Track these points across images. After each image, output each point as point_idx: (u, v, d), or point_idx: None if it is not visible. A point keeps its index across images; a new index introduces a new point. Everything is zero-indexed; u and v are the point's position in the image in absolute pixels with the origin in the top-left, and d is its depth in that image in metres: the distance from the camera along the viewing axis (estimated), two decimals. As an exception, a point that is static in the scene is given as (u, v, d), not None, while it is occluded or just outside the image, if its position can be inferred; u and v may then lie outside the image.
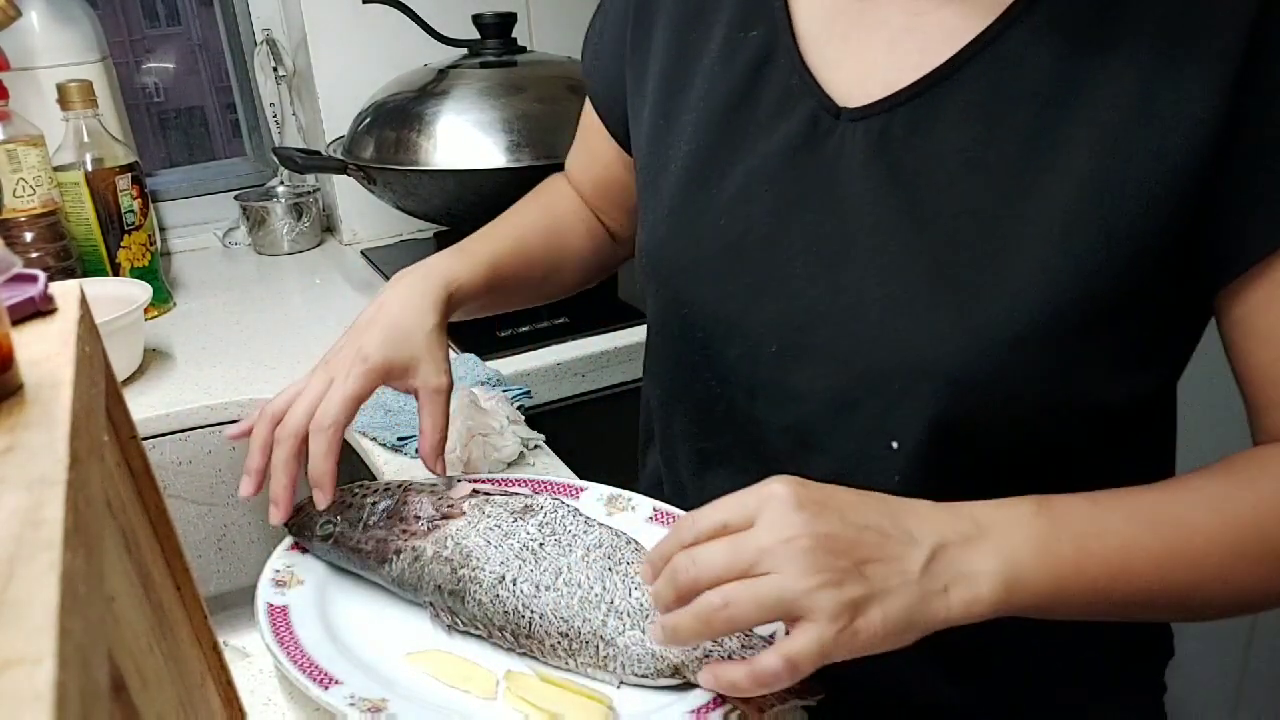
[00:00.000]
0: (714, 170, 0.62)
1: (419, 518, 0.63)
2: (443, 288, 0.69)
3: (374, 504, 0.64)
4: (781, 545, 0.46)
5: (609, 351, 1.04)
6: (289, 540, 0.67)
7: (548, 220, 0.81)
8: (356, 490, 0.66)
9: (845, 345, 0.57)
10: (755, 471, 0.53)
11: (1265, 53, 0.48)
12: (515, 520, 0.61)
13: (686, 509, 0.69)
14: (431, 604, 0.61)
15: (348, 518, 0.64)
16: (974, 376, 0.53)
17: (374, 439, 0.88)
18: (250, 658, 0.63)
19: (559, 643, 0.56)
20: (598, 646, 0.55)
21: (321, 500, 0.62)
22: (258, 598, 0.60)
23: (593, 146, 0.81)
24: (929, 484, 0.54)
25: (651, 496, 0.71)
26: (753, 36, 0.62)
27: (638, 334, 1.06)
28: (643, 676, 0.55)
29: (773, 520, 0.47)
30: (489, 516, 0.62)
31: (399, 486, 0.66)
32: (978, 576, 0.48)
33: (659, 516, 0.69)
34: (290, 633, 0.58)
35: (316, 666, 0.55)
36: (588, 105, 0.81)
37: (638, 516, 0.69)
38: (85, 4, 1.25)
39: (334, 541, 0.64)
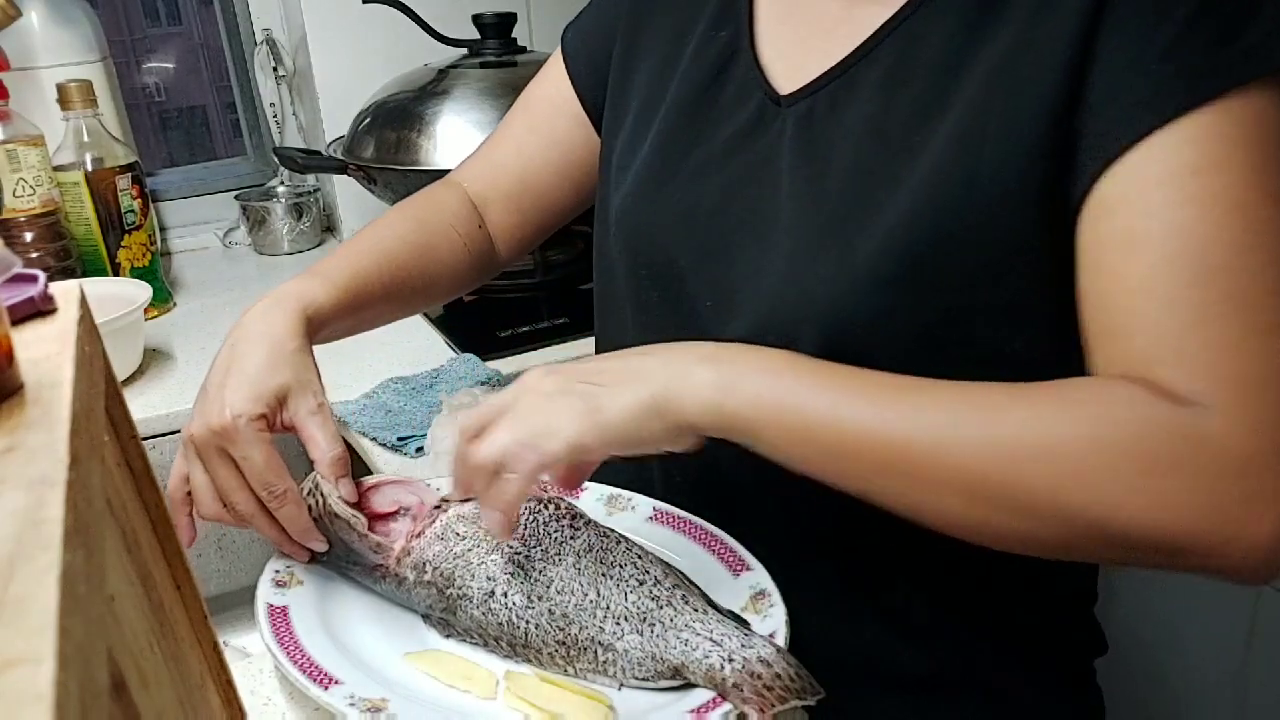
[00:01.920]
0: (677, 151, 0.68)
1: (367, 561, 0.61)
2: (298, 311, 0.65)
3: (344, 536, 0.62)
4: (524, 394, 0.55)
5: (609, 351, 1.04)
6: (289, 540, 0.67)
7: (418, 234, 0.78)
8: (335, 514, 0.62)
9: (760, 301, 0.62)
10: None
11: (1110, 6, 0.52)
12: (492, 536, 0.60)
13: None
14: (426, 617, 0.61)
15: (333, 540, 0.63)
16: (851, 317, 0.58)
17: (374, 439, 0.88)
18: (250, 658, 0.63)
19: (556, 650, 0.56)
20: (596, 652, 0.55)
21: (320, 547, 0.63)
22: (258, 598, 0.60)
23: (533, 136, 0.82)
24: None
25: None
26: (722, 36, 0.69)
27: (638, 334, 1.06)
28: (643, 680, 0.55)
29: (521, 386, 0.55)
30: (464, 538, 0.61)
31: (336, 516, 0.61)
32: (697, 378, 0.53)
33: (659, 516, 0.69)
34: (290, 633, 0.57)
35: (316, 666, 0.55)
36: (534, 94, 0.83)
37: (638, 516, 0.69)
38: (85, 4, 1.25)
39: (329, 563, 0.64)
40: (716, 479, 0.68)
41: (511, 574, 0.58)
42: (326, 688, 0.53)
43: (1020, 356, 0.58)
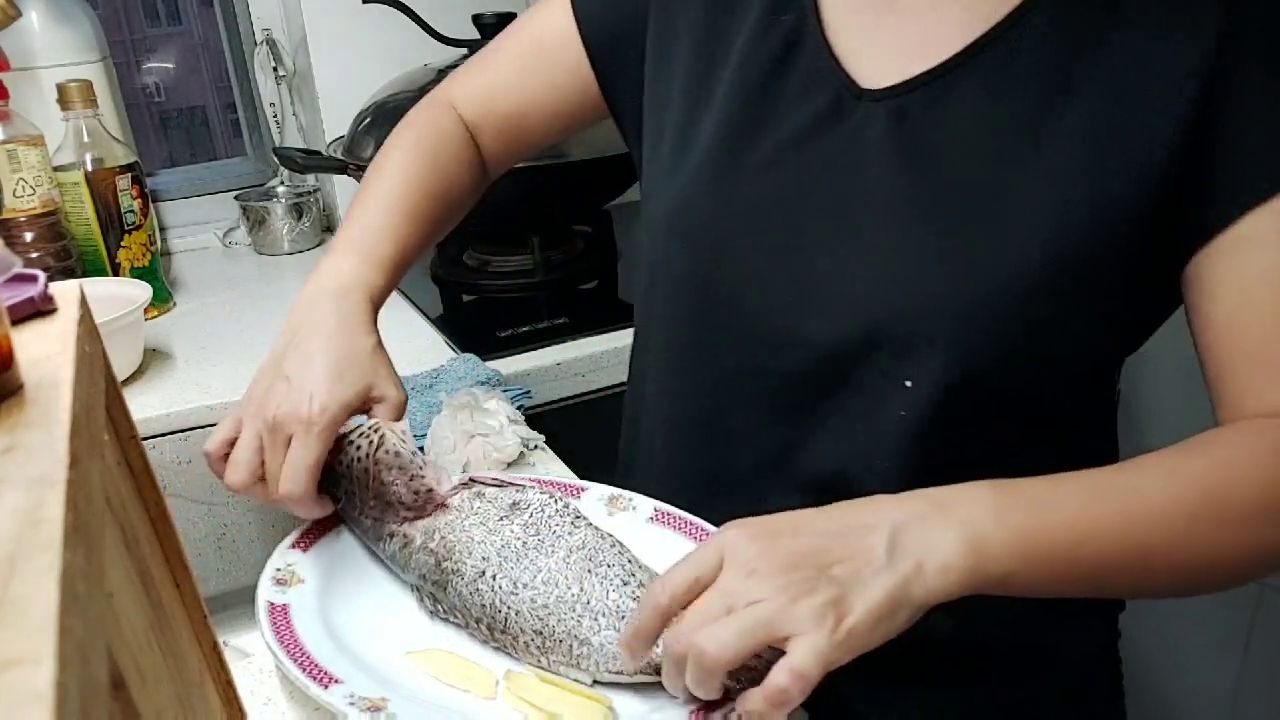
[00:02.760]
0: (743, 140, 0.66)
1: (403, 503, 0.63)
2: (367, 303, 0.66)
3: (387, 478, 0.63)
4: (746, 579, 0.48)
5: (609, 351, 1.04)
6: (289, 539, 0.67)
7: (439, 181, 0.77)
8: (358, 454, 0.64)
9: (860, 295, 0.61)
10: (770, 429, 0.62)
11: (1238, 32, 0.54)
12: (502, 518, 0.62)
13: (682, 488, 0.72)
14: (417, 588, 0.62)
15: (349, 490, 0.64)
16: (979, 331, 0.58)
17: (374, 439, 0.88)
18: (250, 658, 0.63)
19: (532, 640, 0.56)
20: (571, 645, 0.55)
21: (323, 512, 0.65)
22: (258, 596, 0.60)
23: (530, 77, 0.80)
24: (933, 425, 0.60)
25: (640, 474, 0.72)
26: (784, 19, 0.67)
27: (638, 334, 1.06)
28: (617, 673, 0.55)
29: (732, 561, 0.49)
30: (476, 513, 0.62)
31: (392, 456, 0.63)
32: (943, 546, 0.49)
33: (659, 517, 0.69)
34: (290, 632, 0.58)
35: (316, 666, 0.55)
36: (533, 33, 0.80)
37: (638, 516, 0.69)
38: (85, 4, 1.25)
39: (343, 510, 0.66)
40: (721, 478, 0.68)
41: (505, 558, 0.59)
42: (326, 687, 0.53)
43: (1084, 370, 0.63)
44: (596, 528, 0.62)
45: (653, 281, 0.73)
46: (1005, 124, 0.58)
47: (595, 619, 0.56)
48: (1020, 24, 0.59)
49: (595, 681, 0.55)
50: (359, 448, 0.63)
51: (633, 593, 0.57)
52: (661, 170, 0.71)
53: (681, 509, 0.69)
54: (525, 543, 0.60)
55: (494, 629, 0.58)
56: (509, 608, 0.57)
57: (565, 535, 0.60)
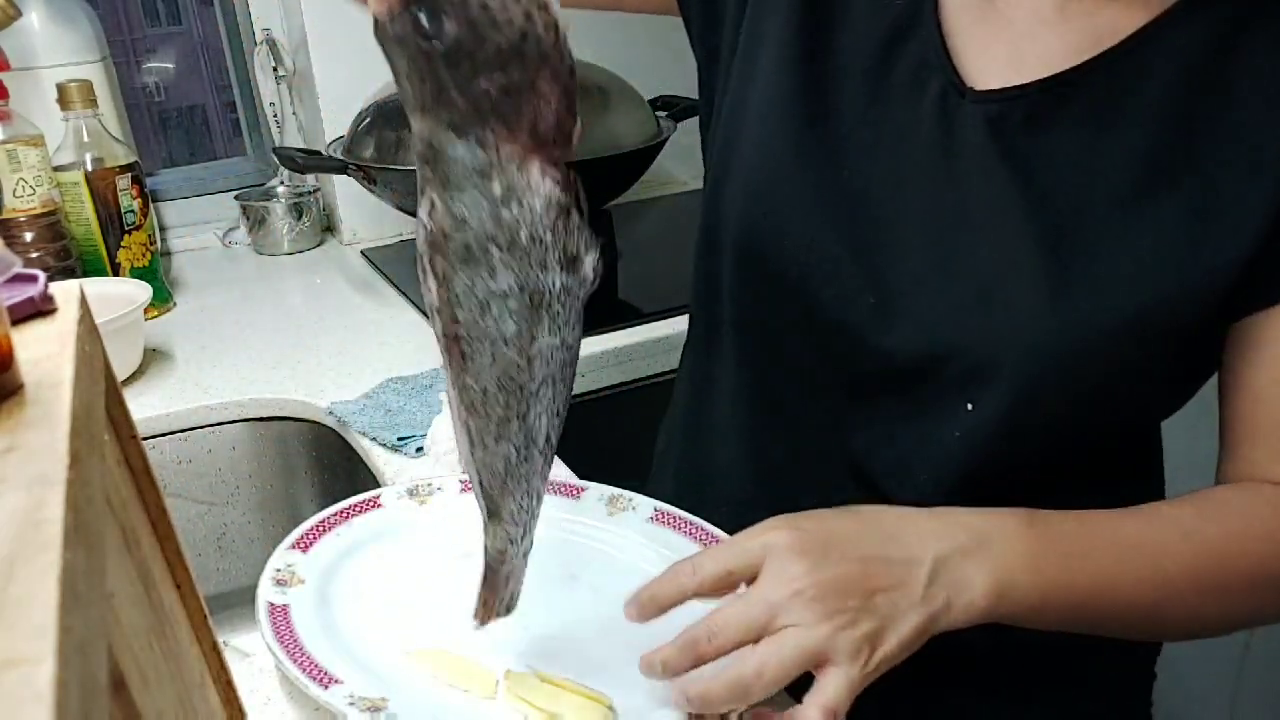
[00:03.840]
0: (842, 124, 0.63)
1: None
2: None
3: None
4: (792, 598, 0.48)
5: (609, 351, 1.04)
6: (289, 539, 0.67)
7: None
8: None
9: (941, 309, 0.59)
10: (827, 417, 0.60)
11: None
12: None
13: (736, 488, 0.71)
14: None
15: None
16: (1058, 358, 0.56)
17: (374, 439, 0.88)
18: (250, 658, 0.63)
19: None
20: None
21: None
22: (258, 596, 0.60)
23: None
24: (985, 450, 0.59)
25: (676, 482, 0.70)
26: (897, 4, 0.63)
27: (638, 334, 1.06)
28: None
29: (778, 571, 0.49)
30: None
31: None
32: (974, 585, 0.51)
33: (659, 517, 0.69)
34: (290, 632, 0.57)
35: (316, 666, 0.55)
36: None
37: (638, 516, 0.69)
38: (85, 4, 1.25)
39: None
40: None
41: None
42: (326, 687, 0.53)
43: (1143, 422, 0.65)
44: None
45: (710, 248, 0.69)
46: (1116, 159, 0.56)
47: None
48: (1143, 48, 0.56)
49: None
50: None
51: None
52: (748, 141, 0.67)
53: (733, 492, 0.69)
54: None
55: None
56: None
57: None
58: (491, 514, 0.50)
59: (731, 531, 0.66)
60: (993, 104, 0.59)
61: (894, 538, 0.52)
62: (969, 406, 0.59)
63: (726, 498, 0.73)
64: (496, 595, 0.54)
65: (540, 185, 0.42)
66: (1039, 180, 0.57)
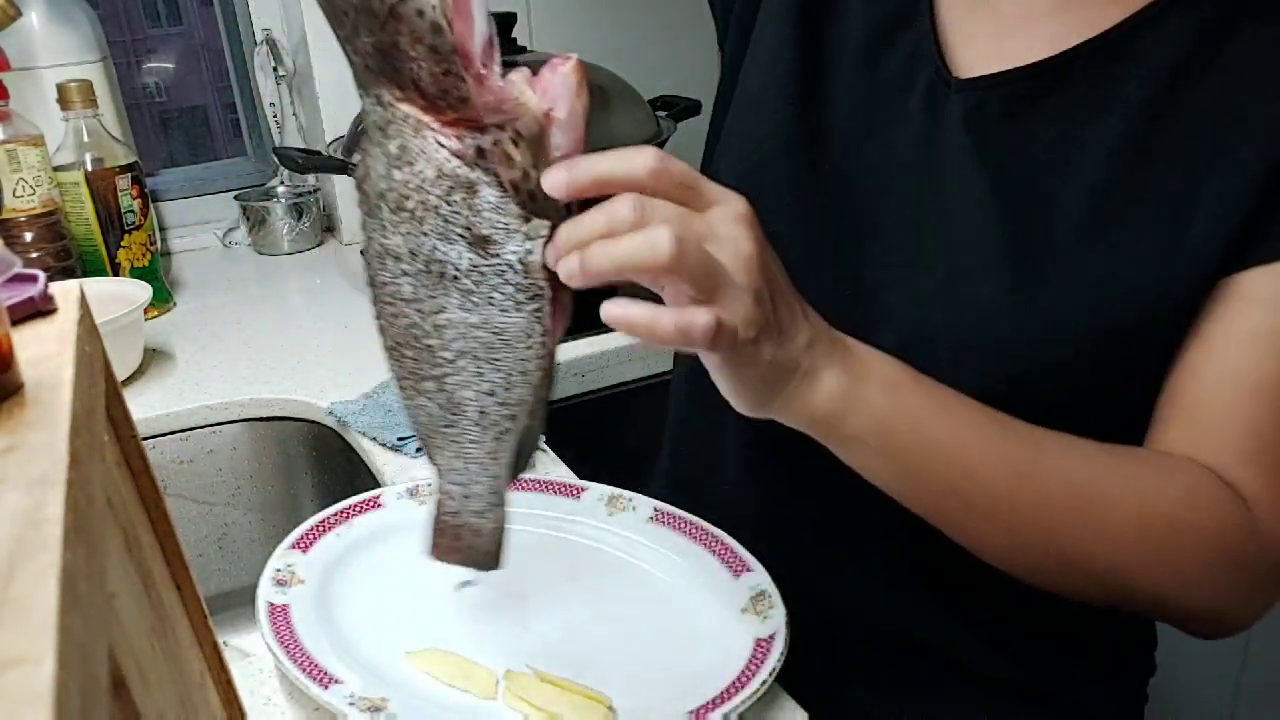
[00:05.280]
0: (832, 114, 0.63)
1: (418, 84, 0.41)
2: None
3: None
4: (732, 240, 0.44)
5: (609, 351, 1.04)
6: (289, 539, 0.67)
7: None
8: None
9: (910, 303, 0.58)
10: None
11: None
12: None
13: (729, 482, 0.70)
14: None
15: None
16: (1022, 354, 0.55)
17: (374, 439, 0.88)
18: (250, 658, 0.63)
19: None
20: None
21: None
22: (258, 596, 0.60)
23: None
24: None
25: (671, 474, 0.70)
26: None
27: (638, 334, 1.06)
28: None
29: (729, 217, 0.44)
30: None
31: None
32: (831, 377, 0.48)
33: (659, 517, 0.69)
34: (290, 632, 0.58)
35: (316, 666, 0.55)
36: None
37: (638, 517, 0.69)
38: (85, 4, 1.25)
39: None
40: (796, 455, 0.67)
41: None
42: (326, 687, 0.53)
43: (1127, 416, 0.59)
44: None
45: None
46: (1092, 151, 0.55)
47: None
48: (1132, 41, 0.55)
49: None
50: None
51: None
52: (741, 126, 0.67)
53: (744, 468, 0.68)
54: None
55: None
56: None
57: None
58: (427, 456, 0.51)
59: (728, 523, 0.66)
60: (975, 92, 0.58)
61: (804, 302, 0.49)
62: None
63: (722, 477, 0.73)
64: (446, 538, 0.54)
65: (433, 153, 0.41)
66: (1012, 172, 0.57)
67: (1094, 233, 0.54)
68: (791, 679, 0.57)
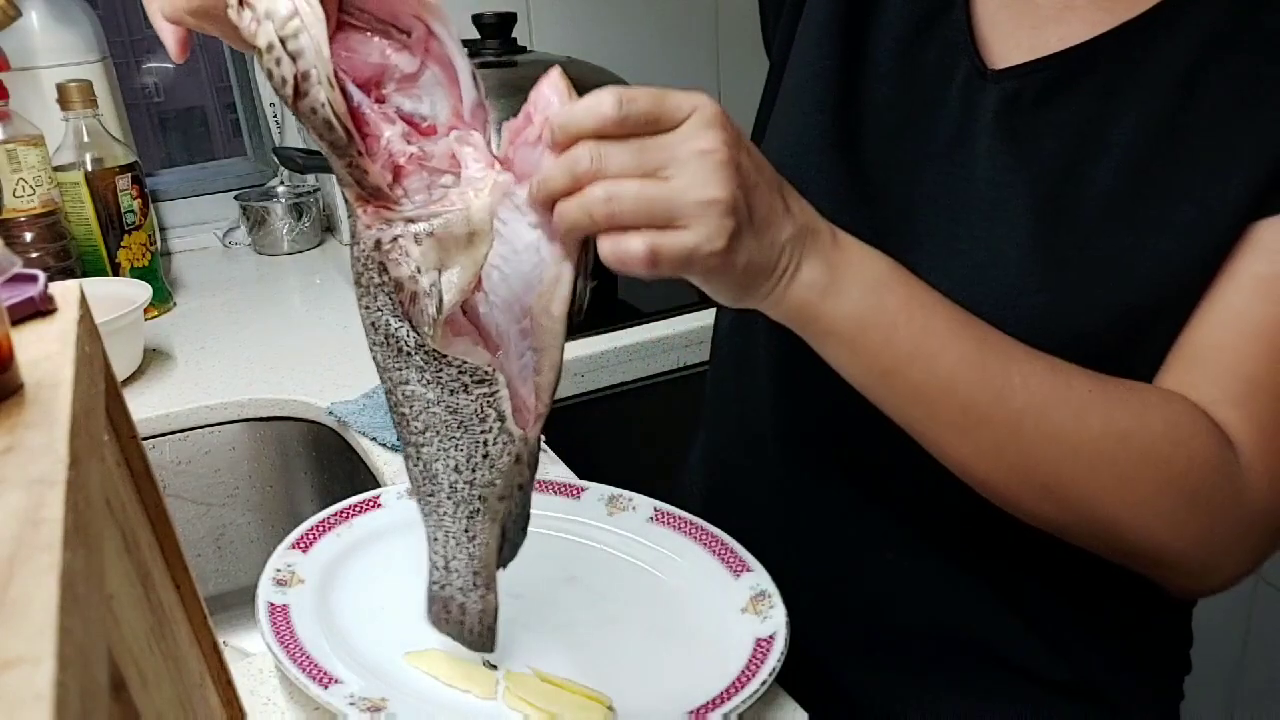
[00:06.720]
0: (869, 108, 0.64)
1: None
2: None
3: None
4: (695, 155, 0.44)
5: (609, 351, 1.04)
6: (289, 539, 0.67)
7: None
8: None
9: (943, 286, 0.57)
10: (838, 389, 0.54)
11: None
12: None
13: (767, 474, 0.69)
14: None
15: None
16: (1052, 336, 0.54)
17: (374, 439, 0.88)
18: (250, 658, 0.63)
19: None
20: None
21: None
22: (258, 597, 0.60)
23: None
24: None
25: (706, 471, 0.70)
26: None
27: (638, 334, 1.06)
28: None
29: (694, 129, 0.44)
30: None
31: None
32: (810, 274, 0.48)
33: (659, 517, 0.69)
34: (290, 632, 0.58)
35: (316, 666, 0.55)
36: None
37: (638, 517, 0.69)
38: (85, 4, 1.25)
39: None
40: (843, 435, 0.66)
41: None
42: (326, 687, 0.53)
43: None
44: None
45: None
46: (1116, 131, 0.55)
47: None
48: (1155, 24, 0.56)
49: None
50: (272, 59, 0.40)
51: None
52: (781, 122, 0.68)
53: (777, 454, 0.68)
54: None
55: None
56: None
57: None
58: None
59: (768, 505, 0.65)
60: (1010, 81, 0.59)
61: (783, 183, 0.49)
62: None
63: (761, 454, 0.71)
64: (437, 606, 0.56)
65: (360, 234, 0.44)
66: (1045, 154, 0.57)
67: (1127, 206, 0.55)
68: (819, 666, 0.56)
